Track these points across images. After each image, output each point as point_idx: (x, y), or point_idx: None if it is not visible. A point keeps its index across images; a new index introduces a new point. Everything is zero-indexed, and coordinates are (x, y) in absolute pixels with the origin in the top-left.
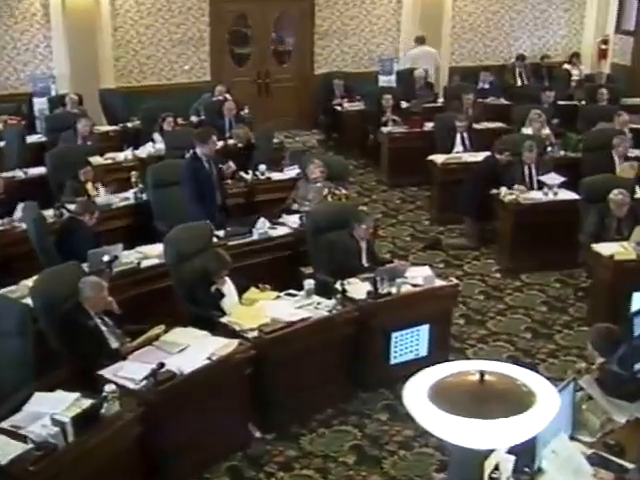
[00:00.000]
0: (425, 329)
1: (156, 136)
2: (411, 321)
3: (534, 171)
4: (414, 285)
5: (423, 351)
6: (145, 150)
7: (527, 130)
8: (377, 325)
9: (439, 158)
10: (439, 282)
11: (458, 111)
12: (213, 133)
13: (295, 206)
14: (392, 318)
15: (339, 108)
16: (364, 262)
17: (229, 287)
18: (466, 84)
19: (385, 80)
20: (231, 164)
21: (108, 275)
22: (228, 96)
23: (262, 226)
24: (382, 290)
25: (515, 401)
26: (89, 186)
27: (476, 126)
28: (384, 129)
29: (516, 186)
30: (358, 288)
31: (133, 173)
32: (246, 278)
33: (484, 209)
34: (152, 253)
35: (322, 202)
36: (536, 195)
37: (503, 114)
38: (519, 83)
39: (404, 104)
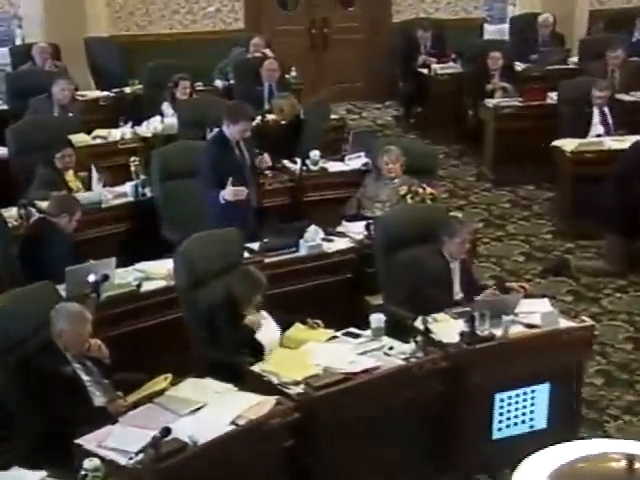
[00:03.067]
0: (544, 390)
1: (165, 107)
2: (523, 378)
3: None
4: (528, 325)
5: (541, 422)
6: (150, 127)
7: None
8: (474, 382)
9: (569, 144)
10: (565, 322)
11: (599, 75)
12: (248, 111)
13: (361, 210)
14: (496, 373)
15: (425, 71)
16: (456, 290)
17: (264, 322)
18: (614, 35)
19: (493, 31)
20: (266, 158)
21: (94, 302)
22: (268, 52)
23: (313, 237)
24: (482, 331)
25: None
26: (69, 176)
27: (624, 97)
28: (489, 101)
29: None
30: (448, 327)
31: (133, 159)
32: (289, 310)
33: (634, 219)
34: (157, 272)
35: (399, 205)
36: None
37: None
38: None
39: (519, 65)
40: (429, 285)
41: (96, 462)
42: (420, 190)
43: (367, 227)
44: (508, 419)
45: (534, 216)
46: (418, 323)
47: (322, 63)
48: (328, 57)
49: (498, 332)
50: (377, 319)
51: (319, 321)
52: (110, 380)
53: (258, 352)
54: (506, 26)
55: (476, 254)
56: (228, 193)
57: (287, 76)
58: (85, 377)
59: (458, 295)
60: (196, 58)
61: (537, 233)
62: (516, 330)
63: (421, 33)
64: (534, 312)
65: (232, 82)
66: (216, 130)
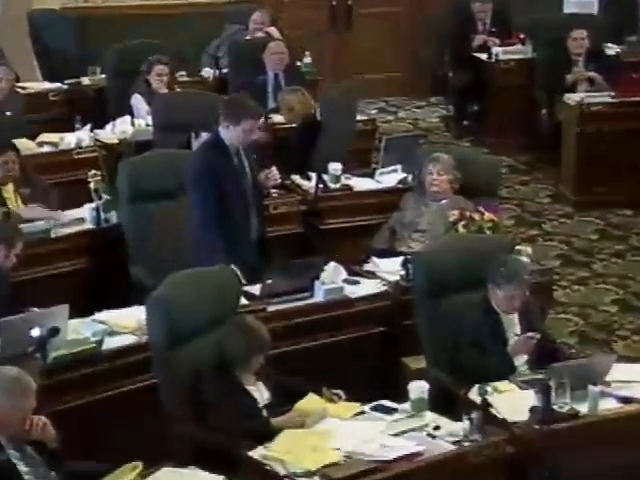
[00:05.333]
0: None
1: (137, 102)
2: (617, 471)
3: None
4: (625, 399)
5: None
6: (116, 130)
7: None
8: (549, 475)
9: None
10: None
11: None
12: (254, 105)
13: (396, 242)
14: (579, 463)
15: (483, 56)
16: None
17: (257, 392)
18: None
19: (577, 2)
20: (274, 172)
21: (39, 365)
22: (274, 31)
23: (333, 278)
24: (561, 407)
25: None
26: (8, 192)
27: None
28: (570, 97)
29: None
30: (513, 400)
31: (92, 173)
32: (300, 375)
33: None
34: (124, 324)
35: (447, 236)
36: None
37: None
38: None
39: (612, 48)
40: (487, 343)
41: None
42: (476, 216)
43: (404, 265)
44: None
45: (631, 250)
46: (473, 394)
47: (346, 46)
48: (353, 38)
49: (583, 408)
50: (418, 388)
51: (340, 391)
52: (58, 472)
53: (261, 432)
54: None
55: (552, 301)
56: None
57: (299, 63)
58: (24, 468)
59: (520, 358)
60: (178, 39)
61: (636, 274)
62: (608, 405)
63: (478, 6)
64: (633, 382)
65: (225, 70)
66: (205, 135)
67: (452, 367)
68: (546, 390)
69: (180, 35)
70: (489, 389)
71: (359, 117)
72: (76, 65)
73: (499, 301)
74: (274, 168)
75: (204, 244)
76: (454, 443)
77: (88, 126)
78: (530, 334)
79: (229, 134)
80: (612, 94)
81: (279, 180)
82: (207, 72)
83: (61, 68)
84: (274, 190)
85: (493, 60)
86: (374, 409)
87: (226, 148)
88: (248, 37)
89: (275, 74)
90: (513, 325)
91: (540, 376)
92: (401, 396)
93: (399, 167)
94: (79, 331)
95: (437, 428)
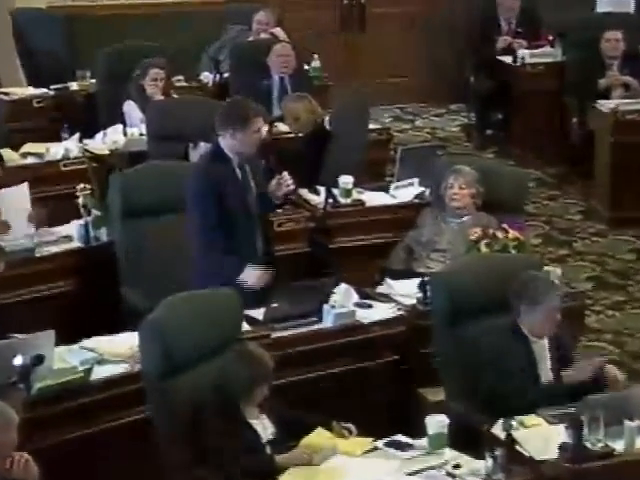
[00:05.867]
0: None
1: (129, 110)
2: None
3: None
4: None
5: None
6: (107, 140)
7: None
8: None
9: None
10: None
11: None
12: (256, 108)
13: (413, 262)
14: None
15: (508, 59)
16: (546, 379)
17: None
18: None
19: (611, 1)
20: (287, 178)
21: (21, 397)
22: (280, 32)
23: (343, 301)
24: (594, 444)
25: None
26: None
27: None
28: (604, 103)
29: None
30: (541, 436)
31: (81, 187)
32: (307, 408)
33: None
34: (116, 352)
35: (469, 255)
36: None
37: None
38: None
39: None
40: (511, 374)
41: None
42: (500, 234)
43: (422, 287)
44: None
45: None
46: (497, 429)
47: (358, 48)
48: (366, 39)
49: (618, 445)
50: (436, 423)
51: (351, 426)
52: None
53: (264, 470)
54: None
55: (584, 328)
56: (249, 277)
57: (307, 67)
58: None
59: (551, 387)
60: (175, 40)
61: None
62: None
63: (506, 3)
64: None
65: (226, 75)
66: (203, 146)
67: (474, 399)
68: (578, 425)
69: (177, 36)
70: (514, 424)
71: (372, 126)
72: (64, 69)
73: (532, 323)
74: (285, 173)
75: (204, 264)
76: None
77: (76, 135)
78: (598, 359)
79: (235, 142)
80: None
81: (292, 186)
82: (206, 77)
83: (47, 72)
84: (279, 207)
85: (519, 64)
86: (388, 445)
87: (229, 160)
88: (251, 39)
89: (281, 78)
90: (544, 352)
91: (571, 409)
92: (418, 431)
93: (416, 180)
94: (66, 359)
95: (457, 466)
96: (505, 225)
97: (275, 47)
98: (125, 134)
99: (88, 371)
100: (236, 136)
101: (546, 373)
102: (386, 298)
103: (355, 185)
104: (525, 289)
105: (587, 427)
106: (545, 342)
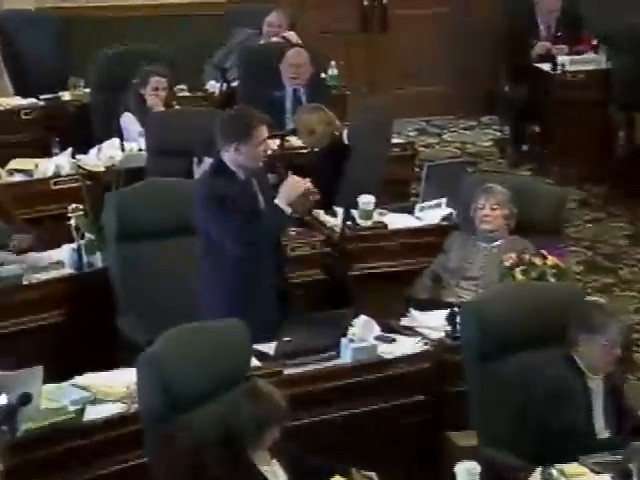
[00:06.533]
0: None
1: (128, 121)
2: None
3: None
4: None
5: None
6: (102, 155)
7: None
8: None
9: None
10: None
11: None
12: (263, 118)
13: (440, 291)
14: None
15: (546, 67)
16: (600, 425)
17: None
18: None
19: None
20: (310, 185)
21: (5, 440)
22: (293, 36)
23: (363, 335)
24: None
25: None
26: None
27: None
28: None
29: None
30: None
31: (73, 207)
32: (323, 453)
33: None
34: (111, 390)
35: (502, 283)
36: None
37: None
38: None
39: None
40: (552, 415)
41: None
42: (537, 260)
43: (450, 319)
44: None
45: None
46: (535, 478)
47: (379, 54)
48: (388, 44)
49: None
50: (467, 470)
51: (372, 474)
52: None
53: None
54: None
55: (633, 365)
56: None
57: (323, 75)
58: None
59: (602, 432)
60: (177, 45)
61: None
62: None
63: (543, 4)
64: None
65: (235, 84)
66: (210, 162)
67: (510, 444)
68: (625, 475)
69: (179, 41)
70: (555, 472)
71: (395, 140)
72: (55, 76)
73: (590, 355)
74: (307, 180)
75: (211, 288)
76: None
77: (69, 150)
78: None
79: (238, 156)
80: None
81: (318, 196)
82: (212, 86)
83: (37, 80)
84: (293, 228)
85: (558, 71)
86: None
87: (233, 175)
88: (262, 43)
89: (294, 89)
90: (599, 392)
91: (618, 457)
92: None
93: (443, 201)
94: (55, 398)
95: None
96: (543, 250)
97: (288, 53)
98: (122, 149)
99: (80, 412)
100: (240, 149)
101: (599, 415)
102: (411, 331)
103: (376, 206)
104: (585, 316)
105: (636, 477)
106: (600, 381)
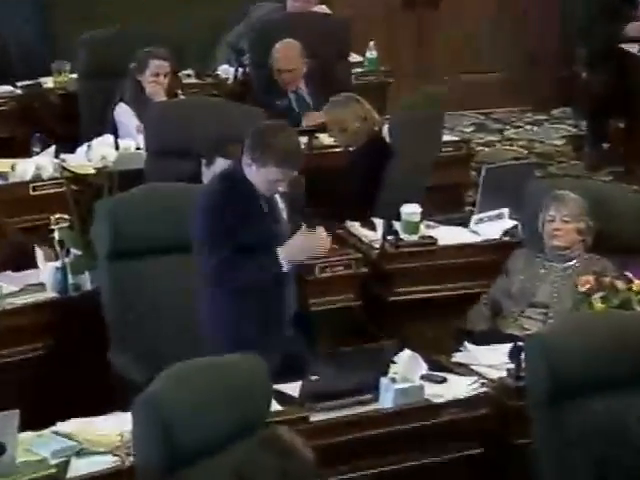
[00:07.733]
0: None
1: (123, 115)
2: None
3: None
4: None
5: None
6: (92, 154)
7: None
8: None
9: None
10: None
11: None
12: (290, 156)
13: (501, 321)
14: None
15: (635, 49)
16: None
17: None
18: None
19: None
20: (324, 235)
21: None
22: (323, 10)
23: (407, 372)
24: None
25: None
26: None
27: None
28: None
29: None
30: None
31: (57, 217)
32: None
33: None
34: (99, 439)
35: (578, 312)
36: None
37: None
38: None
39: None
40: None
41: None
42: (621, 284)
43: (514, 355)
44: None
45: None
46: None
47: (429, 33)
48: (440, 22)
49: None
50: None
51: None
52: None
53: None
54: None
55: None
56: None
57: (360, 58)
58: None
59: None
60: (182, 24)
61: None
62: None
63: None
64: None
65: (247, 68)
66: (222, 163)
67: None
68: None
69: (185, 19)
70: None
71: (447, 137)
72: (36, 60)
73: None
74: (322, 229)
75: (218, 317)
76: None
77: (51, 149)
78: None
79: (251, 173)
80: None
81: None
82: (225, 71)
83: (14, 65)
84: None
85: None
86: None
87: (250, 184)
88: (282, 17)
89: (294, 91)
90: None
91: None
92: None
93: (505, 211)
94: (34, 449)
95: None
96: (627, 272)
97: (275, 56)
98: (116, 147)
99: (64, 465)
100: (252, 169)
101: None
102: (465, 369)
103: (423, 217)
104: None
105: None
106: None
